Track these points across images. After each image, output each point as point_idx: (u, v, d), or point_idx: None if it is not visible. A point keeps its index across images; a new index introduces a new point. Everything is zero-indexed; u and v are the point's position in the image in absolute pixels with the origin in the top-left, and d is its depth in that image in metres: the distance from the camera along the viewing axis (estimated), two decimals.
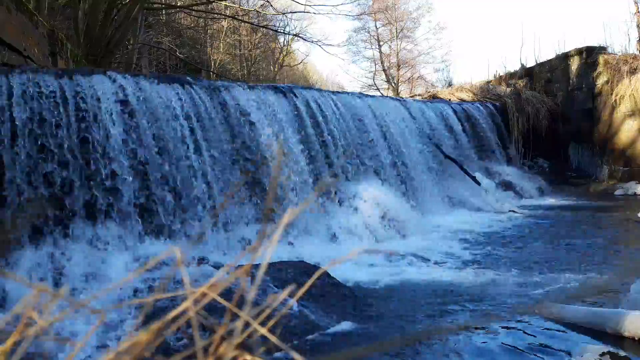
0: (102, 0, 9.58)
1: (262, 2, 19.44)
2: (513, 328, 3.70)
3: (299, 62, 30.53)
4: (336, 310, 3.95)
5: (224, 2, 16.73)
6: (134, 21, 11.08)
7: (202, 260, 5.03)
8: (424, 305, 4.31)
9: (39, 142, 5.01)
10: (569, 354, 3.20)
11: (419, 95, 17.98)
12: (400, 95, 22.94)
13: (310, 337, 3.54)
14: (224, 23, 20.29)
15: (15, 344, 0.58)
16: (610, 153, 13.04)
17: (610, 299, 4.14)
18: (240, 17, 19.07)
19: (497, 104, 14.15)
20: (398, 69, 27.28)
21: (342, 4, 25.85)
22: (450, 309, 4.17)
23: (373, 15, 26.11)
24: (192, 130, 6.11)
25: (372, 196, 7.56)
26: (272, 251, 0.65)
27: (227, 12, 18.97)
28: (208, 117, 6.38)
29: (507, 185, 11.63)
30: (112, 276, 4.55)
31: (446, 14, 61.71)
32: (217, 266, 4.96)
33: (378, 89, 27.09)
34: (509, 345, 3.37)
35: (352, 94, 10.50)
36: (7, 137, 4.83)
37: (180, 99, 6.21)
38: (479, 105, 13.73)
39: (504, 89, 14.82)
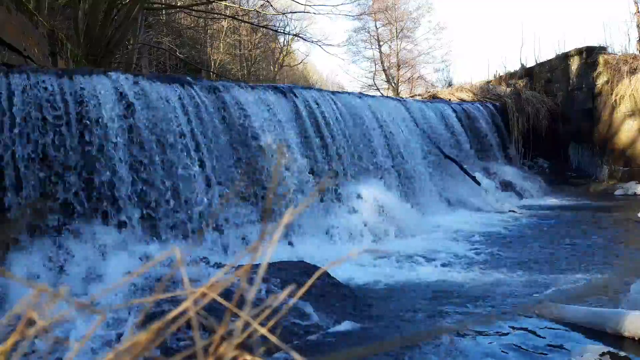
0: (102, 0, 9.58)
1: (262, 2, 19.45)
2: (513, 328, 3.70)
3: (299, 62, 30.54)
4: (336, 310, 3.95)
5: (224, 2, 16.73)
6: (134, 21, 11.08)
7: (202, 260, 5.03)
8: (424, 305, 4.30)
9: (39, 142, 5.01)
10: (569, 354, 3.20)
11: (419, 95, 17.98)
12: (400, 95, 22.93)
13: (310, 337, 3.54)
14: (224, 23, 20.29)
15: (15, 344, 0.58)
16: (610, 153, 13.04)
17: (610, 299, 4.14)
18: (240, 17, 19.07)
19: (497, 104, 14.15)
20: (398, 69, 27.28)
21: (342, 4, 25.90)
22: (450, 309, 4.17)
23: (373, 15, 26.11)
24: (192, 131, 6.11)
25: (372, 196, 7.56)
26: (272, 251, 0.65)
27: (227, 12, 18.97)
28: (208, 117, 6.38)
29: (507, 185, 11.63)
30: (112, 276, 4.55)
31: (446, 14, 61.79)
32: (217, 266, 4.96)
33: (378, 89, 27.09)
34: (509, 345, 3.37)
35: (352, 94, 10.50)
36: (6, 137, 4.83)
37: (180, 99, 6.21)
38: (479, 105, 13.73)
39: (504, 89, 14.82)
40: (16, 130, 4.89)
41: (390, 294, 4.69)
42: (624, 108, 12.71)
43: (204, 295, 0.62)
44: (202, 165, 6.04)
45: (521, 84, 14.80)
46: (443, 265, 5.72)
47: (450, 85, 17.55)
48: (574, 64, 13.90)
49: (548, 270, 5.32)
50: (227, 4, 18.07)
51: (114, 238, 5.08)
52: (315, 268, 4.56)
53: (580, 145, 13.98)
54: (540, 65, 15.01)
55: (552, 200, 11.35)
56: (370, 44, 28.16)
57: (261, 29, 20.92)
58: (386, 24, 27.53)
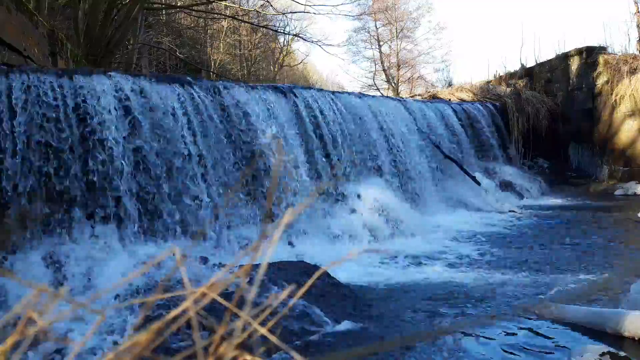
0: (102, 0, 9.58)
1: (262, 2, 19.45)
2: (513, 328, 3.70)
3: (299, 62, 30.54)
4: (336, 310, 3.95)
5: (224, 2, 16.72)
6: (134, 21, 11.08)
7: (202, 260, 5.03)
8: (424, 305, 4.30)
9: (39, 142, 5.01)
10: (569, 353, 3.20)
11: (419, 95, 17.98)
12: (400, 95, 22.93)
13: (310, 337, 3.54)
14: (224, 23, 20.29)
15: (15, 343, 0.58)
16: (610, 153, 13.04)
17: (610, 299, 4.14)
18: (240, 17, 19.07)
19: (497, 104, 14.15)
20: (398, 69, 27.28)
21: (342, 4, 25.90)
22: (450, 309, 4.17)
23: (373, 15, 26.11)
24: (192, 131, 6.11)
25: (372, 196, 7.56)
26: (272, 251, 0.65)
27: (227, 12, 18.97)
28: (208, 117, 6.38)
29: (507, 185, 11.64)
30: (112, 276, 4.55)
31: (446, 14, 61.81)
32: (217, 266, 4.96)
33: (378, 89, 27.09)
34: (509, 345, 3.37)
35: (352, 94, 10.49)
36: (6, 137, 4.83)
37: (180, 99, 6.21)
38: (479, 105, 13.72)
39: (504, 89, 14.82)
40: (16, 131, 4.89)
41: (390, 294, 4.69)
42: (624, 108, 12.71)
43: (204, 295, 0.62)
44: (202, 165, 6.04)
45: (521, 84, 14.80)
46: (443, 265, 5.72)
47: (450, 85, 17.55)
48: (574, 64, 13.90)
49: (548, 270, 5.32)
50: (227, 4, 18.07)
51: (114, 238, 5.08)
52: (315, 268, 4.56)
53: (580, 145, 13.98)
54: (540, 65, 15.01)
55: (552, 200, 11.35)
56: (370, 44, 28.20)
57: (261, 29, 20.92)
58: (386, 24, 27.54)
